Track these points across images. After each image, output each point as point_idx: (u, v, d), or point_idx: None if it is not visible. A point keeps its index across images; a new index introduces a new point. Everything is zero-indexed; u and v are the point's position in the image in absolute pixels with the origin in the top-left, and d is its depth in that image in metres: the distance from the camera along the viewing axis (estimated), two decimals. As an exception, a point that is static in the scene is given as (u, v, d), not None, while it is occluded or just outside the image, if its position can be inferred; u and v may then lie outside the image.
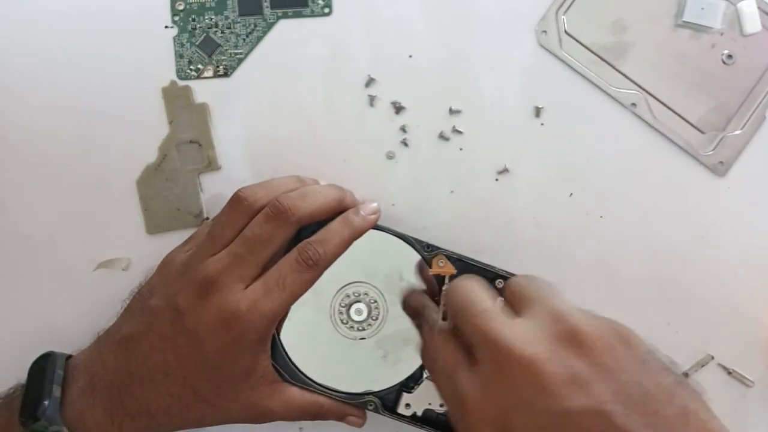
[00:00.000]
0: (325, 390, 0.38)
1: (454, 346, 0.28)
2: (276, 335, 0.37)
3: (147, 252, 0.41)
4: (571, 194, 0.42)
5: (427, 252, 0.38)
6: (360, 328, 0.38)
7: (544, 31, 0.41)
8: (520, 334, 0.26)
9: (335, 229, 0.36)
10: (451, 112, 0.41)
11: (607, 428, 0.23)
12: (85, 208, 0.41)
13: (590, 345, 0.25)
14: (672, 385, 0.24)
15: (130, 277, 0.41)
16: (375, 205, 0.38)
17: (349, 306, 0.38)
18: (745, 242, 0.42)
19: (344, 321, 0.38)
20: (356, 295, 0.38)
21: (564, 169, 0.42)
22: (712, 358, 0.41)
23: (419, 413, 0.38)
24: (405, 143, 0.41)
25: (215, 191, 0.41)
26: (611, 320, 0.27)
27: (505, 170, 0.41)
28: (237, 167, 0.41)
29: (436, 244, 0.39)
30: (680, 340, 0.41)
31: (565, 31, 0.41)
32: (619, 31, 0.41)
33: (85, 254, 0.41)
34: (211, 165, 0.41)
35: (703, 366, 0.41)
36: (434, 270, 0.38)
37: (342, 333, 0.38)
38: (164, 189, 0.41)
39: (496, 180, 0.42)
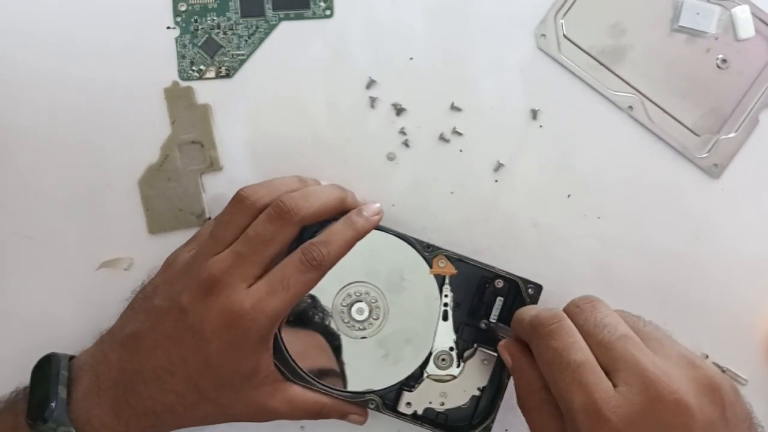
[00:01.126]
0: (326, 389, 0.38)
1: (593, 358, 0.29)
2: (278, 334, 0.38)
3: (149, 252, 0.41)
4: (569, 195, 0.42)
5: (428, 252, 0.39)
6: (361, 327, 0.39)
7: (543, 35, 0.42)
8: (669, 371, 0.28)
9: (338, 230, 0.37)
10: (452, 114, 0.42)
11: None
12: (87, 209, 0.41)
13: (723, 396, 0.28)
14: None
15: (133, 277, 0.41)
16: (377, 205, 0.39)
17: (351, 305, 0.39)
18: (739, 243, 0.42)
19: (345, 320, 0.39)
20: (357, 294, 0.39)
21: (562, 171, 0.42)
22: (707, 356, 0.42)
23: (420, 411, 0.38)
24: (406, 144, 0.42)
25: (217, 191, 0.41)
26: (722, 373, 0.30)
27: (500, 165, 0.42)
28: (239, 168, 0.41)
29: (437, 244, 0.39)
30: (675, 339, 0.42)
31: (564, 35, 0.42)
32: (616, 35, 0.42)
33: (88, 254, 0.41)
34: (212, 165, 0.41)
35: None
36: (434, 270, 0.39)
37: (343, 332, 0.39)
38: (166, 189, 0.41)
39: (496, 181, 0.42)
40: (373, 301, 0.39)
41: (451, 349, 0.38)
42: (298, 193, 0.37)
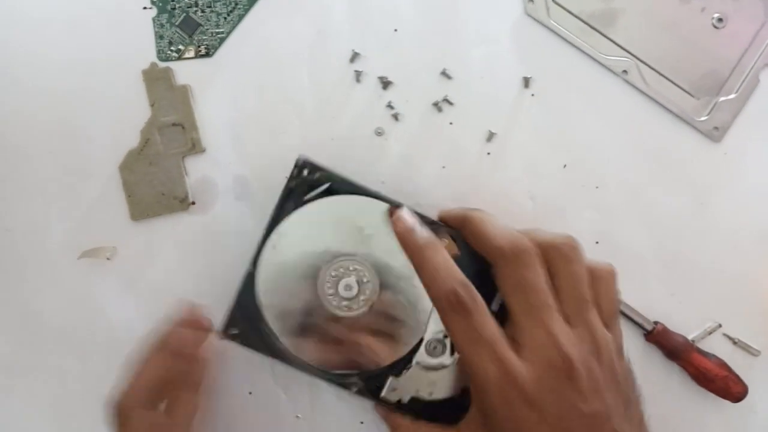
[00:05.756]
0: (307, 367, 0.35)
1: (497, 325, 0.30)
2: (260, 307, 0.35)
3: (132, 239, 0.40)
4: (565, 165, 0.41)
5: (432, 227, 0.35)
6: (350, 306, 0.35)
7: (531, 0, 0.40)
8: (573, 342, 0.29)
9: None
10: (440, 85, 0.40)
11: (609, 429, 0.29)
12: (67, 197, 0.40)
13: (606, 358, 0.30)
14: (637, 395, 0.31)
15: (116, 266, 0.39)
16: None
17: (338, 282, 0.36)
18: (745, 208, 0.41)
19: (335, 302, 0.36)
20: (344, 270, 0.36)
21: (556, 140, 0.41)
22: (720, 325, 0.40)
23: (405, 400, 0.35)
24: (394, 118, 0.40)
25: (200, 174, 0.40)
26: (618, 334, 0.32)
27: (492, 137, 0.40)
28: (222, 149, 0.40)
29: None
30: (685, 310, 0.40)
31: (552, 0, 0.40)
32: (607, -2, 0.40)
33: (69, 244, 0.39)
34: (195, 148, 0.40)
35: (710, 334, 0.40)
36: None
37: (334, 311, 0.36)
38: (148, 174, 0.39)
39: (488, 154, 0.41)
40: (360, 275, 0.35)
41: (446, 336, 0.35)
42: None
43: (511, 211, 0.40)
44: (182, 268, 0.40)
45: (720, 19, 0.41)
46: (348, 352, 0.36)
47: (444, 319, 0.31)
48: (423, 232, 0.32)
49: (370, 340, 0.35)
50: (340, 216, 0.36)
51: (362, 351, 0.35)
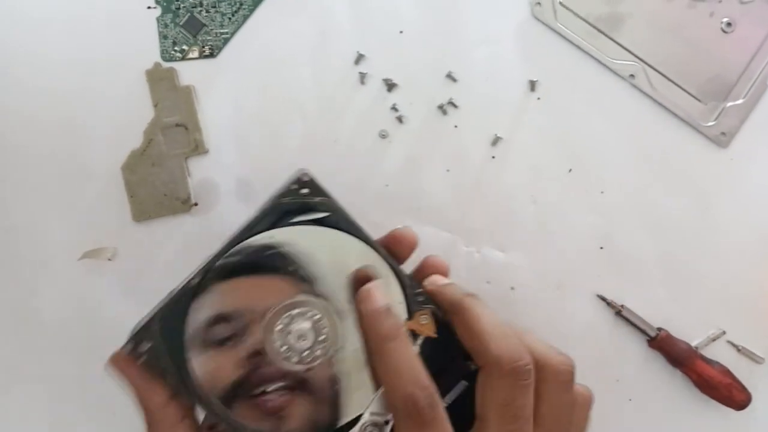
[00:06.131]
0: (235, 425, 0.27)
1: None
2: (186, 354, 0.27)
3: (134, 240, 0.39)
4: (570, 170, 0.40)
5: (415, 292, 0.29)
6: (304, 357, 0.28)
7: (539, 3, 0.40)
8: None
9: None
10: (445, 88, 0.40)
11: None
12: (69, 197, 0.39)
13: None
14: None
15: (117, 267, 0.39)
16: None
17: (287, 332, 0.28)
18: (751, 215, 0.41)
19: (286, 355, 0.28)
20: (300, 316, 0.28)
21: (562, 144, 0.40)
22: (724, 332, 0.40)
23: None
24: (399, 121, 0.40)
25: (203, 176, 0.40)
26: None
27: (497, 140, 0.40)
28: (225, 150, 0.40)
29: (432, 223, 0.37)
30: (689, 317, 0.40)
31: (560, 2, 0.40)
32: (614, 1, 0.40)
33: (70, 244, 0.39)
34: (198, 148, 0.39)
35: (714, 340, 0.40)
36: (412, 324, 0.29)
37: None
38: (150, 174, 0.39)
39: (493, 157, 0.40)
40: (316, 317, 0.28)
41: (387, 422, 0.28)
42: None
43: (514, 216, 0.40)
44: (184, 270, 0.39)
45: (728, 24, 0.40)
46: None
47: (397, 424, 0.26)
48: (391, 318, 0.27)
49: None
50: (322, 252, 0.29)
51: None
